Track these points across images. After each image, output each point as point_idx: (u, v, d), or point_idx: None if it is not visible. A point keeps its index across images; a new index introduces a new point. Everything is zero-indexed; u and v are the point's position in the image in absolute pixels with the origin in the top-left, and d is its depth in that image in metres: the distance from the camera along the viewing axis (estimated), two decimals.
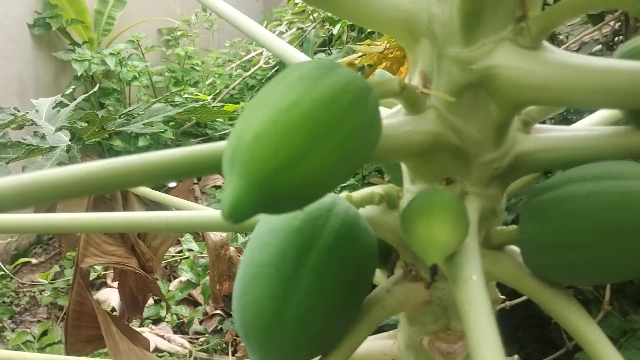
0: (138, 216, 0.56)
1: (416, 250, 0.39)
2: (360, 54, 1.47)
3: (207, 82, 4.00)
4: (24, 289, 2.78)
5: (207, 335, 2.41)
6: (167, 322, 2.47)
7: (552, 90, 0.39)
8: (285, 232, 0.45)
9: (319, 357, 0.48)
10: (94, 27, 3.60)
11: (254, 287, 0.44)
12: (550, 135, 0.47)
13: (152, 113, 1.20)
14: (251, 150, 0.31)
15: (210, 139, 3.50)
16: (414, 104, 0.44)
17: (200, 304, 2.55)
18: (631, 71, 0.36)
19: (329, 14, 2.56)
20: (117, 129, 1.13)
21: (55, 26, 3.18)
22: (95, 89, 2.01)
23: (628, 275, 0.43)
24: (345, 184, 1.99)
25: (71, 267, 2.81)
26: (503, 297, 0.57)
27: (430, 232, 0.39)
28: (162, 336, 2.36)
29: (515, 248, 0.49)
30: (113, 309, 2.33)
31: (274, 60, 3.57)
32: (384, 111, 0.46)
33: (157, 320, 2.50)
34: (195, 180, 3.17)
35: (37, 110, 1.21)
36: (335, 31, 2.57)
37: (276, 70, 3.62)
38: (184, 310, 2.50)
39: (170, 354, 2.27)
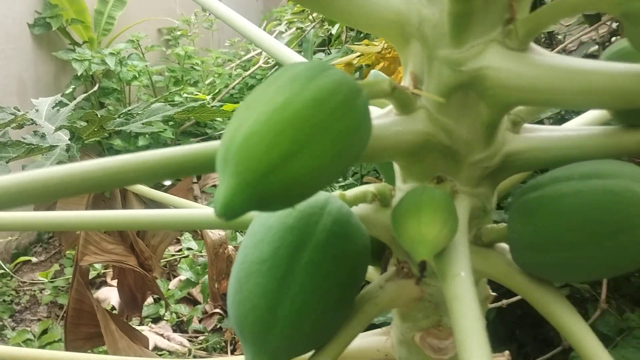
0: (136, 214, 0.57)
1: (406, 247, 0.40)
2: (358, 54, 1.49)
3: (206, 82, 4.01)
4: (24, 288, 2.79)
5: (206, 333, 2.42)
6: (166, 320, 2.49)
7: (538, 92, 0.40)
8: (279, 229, 0.46)
9: (313, 352, 0.49)
10: (94, 26, 3.61)
11: (248, 284, 0.45)
12: (539, 135, 0.48)
13: (151, 112, 1.21)
14: (243, 149, 0.32)
15: (210, 138, 3.51)
16: (404, 104, 0.45)
17: (199, 303, 2.56)
18: (614, 73, 0.37)
19: None
20: (116, 129, 1.14)
21: (55, 26, 3.19)
22: (95, 88, 2.02)
23: (613, 272, 0.44)
24: (343, 184, 2.00)
25: (71, 266, 2.82)
26: (494, 294, 0.58)
27: (420, 229, 0.40)
28: (161, 335, 2.37)
29: (505, 246, 0.50)
30: (113, 308, 2.35)
31: (273, 60, 3.58)
32: (375, 111, 0.47)
33: (156, 319, 2.51)
34: (195, 180, 3.18)
35: (37, 110, 1.22)
36: (334, 31, 2.58)
37: (275, 70, 3.63)
38: (184, 309, 2.51)
39: (170, 353, 2.28)
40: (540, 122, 1.46)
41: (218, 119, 3.47)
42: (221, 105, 2.89)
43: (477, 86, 0.43)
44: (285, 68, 0.36)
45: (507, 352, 0.55)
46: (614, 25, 1.71)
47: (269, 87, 0.35)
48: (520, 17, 0.42)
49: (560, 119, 1.55)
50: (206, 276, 2.36)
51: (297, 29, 2.95)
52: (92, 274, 2.67)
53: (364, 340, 0.60)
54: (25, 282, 2.82)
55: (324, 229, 0.46)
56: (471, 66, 0.42)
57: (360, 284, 0.50)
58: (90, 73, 3.35)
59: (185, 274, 2.53)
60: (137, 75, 3.58)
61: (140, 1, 3.99)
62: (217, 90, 3.83)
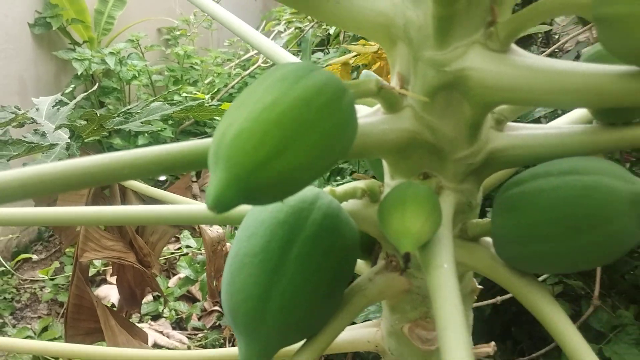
0: (134, 209, 0.59)
1: (391, 240, 0.42)
2: (354, 53, 1.50)
3: (206, 81, 4.03)
4: (25, 286, 2.81)
5: (205, 331, 2.44)
6: (165, 317, 2.51)
7: (517, 91, 0.42)
8: (270, 224, 0.48)
9: (304, 341, 0.51)
10: (94, 26, 3.63)
11: (241, 276, 0.47)
12: (522, 132, 0.50)
13: (150, 111, 1.22)
14: (234, 146, 0.34)
15: (209, 137, 3.52)
16: (391, 103, 0.47)
17: (198, 300, 2.58)
18: (588, 73, 0.39)
19: None
20: (115, 127, 1.16)
21: (55, 26, 3.21)
22: (95, 87, 2.04)
23: (590, 264, 0.46)
24: (341, 182, 2.01)
25: (71, 264, 2.84)
26: (480, 287, 0.60)
27: (404, 222, 0.41)
28: (160, 332, 2.39)
29: (489, 240, 0.52)
30: (113, 305, 2.37)
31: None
32: (364, 110, 0.49)
33: (156, 317, 2.53)
34: (194, 179, 3.20)
35: (37, 109, 1.23)
36: (332, 31, 2.60)
37: None
38: (183, 307, 2.53)
39: (169, 350, 2.30)
40: (537, 120, 1.48)
41: (217, 118, 3.48)
42: (220, 104, 2.91)
43: (460, 86, 0.45)
44: (274, 68, 0.38)
45: (492, 343, 0.56)
46: None
47: (258, 87, 0.37)
48: (502, 20, 0.43)
49: (557, 117, 1.56)
50: (205, 274, 2.38)
51: (296, 28, 2.97)
52: (92, 272, 2.69)
53: (354, 332, 0.62)
54: (25, 280, 2.84)
55: (314, 223, 0.48)
56: (454, 67, 0.44)
57: (349, 277, 0.52)
58: (90, 72, 3.37)
59: (184, 272, 2.55)
60: (137, 75, 3.59)
61: (140, 1, 4.00)
62: (216, 90, 3.85)
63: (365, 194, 0.54)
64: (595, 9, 0.35)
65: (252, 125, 0.34)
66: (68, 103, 1.26)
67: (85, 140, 1.15)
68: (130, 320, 1.38)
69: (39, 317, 2.63)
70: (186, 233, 2.84)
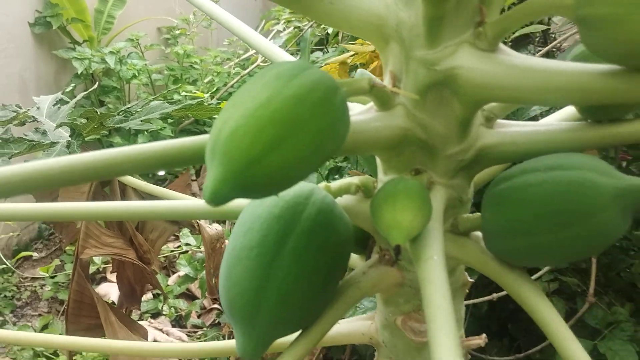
0: (134, 204, 0.60)
1: (382, 233, 0.44)
2: (352, 53, 1.52)
3: (205, 80, 4.04)
4: (25, 284, 2.83)
5: (205, 328, 2.45)
6: (165, 315, 2.52)
7: (505, 89, 0.43)
8: (266, 218, 0.49)
9: (299, 332, 0.52)
10: (94, 25, 3.65)
11: (238, 269, 0.49)
12: (511, 130, 0.52)
13: (150, 110, 1.24)
14: (229, 142, 0.35)
15: (207, 134, 3.53)
16: (384, 101, 0.48)
17: (198, 298, 2.60)
18: (571, 72, 0.40)
19: None
20: (115, 126, 1.17)
21: (55, 25, 3.22)
22: (95, 86, 2.05)
23: (576, 257, 0.47)
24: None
25: (71, 262, 2.85)
26: (471, 280, 0.61)
27: (395, 216, 0.43)
28: (160, 329, 2.41)
29: (480, 234, 0.54)
30: (113, 303, 2.38)
31: None
32: (357, 108, 0.51)
33: (155, 314, 2.55)
34: (193, 177, 3.22)
35: (38, 108, 1.25)
36: (330, 30, 2.61)
37: None
38: (182, 304, 2.55)
39: None
40: (534, 118, 1.49)
41: (216, 116, 3.49)
42: (219, 103, 2.92)
43: (450, 84, 0.46)
44: (269, 67, 0.40)
45: (483, 335, 0.58)
46: None
47: (254, 85, 0.38)
48: (490, 20, 0.45)
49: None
50: (204, 271, 2.40)
51: (295, 28, 2.98)
52: (92, 270, 2.71)
53: (350, 325, 0.64)
54: (26, 278, 2.86)
55: (308, 217, 0.49)
56: (444, 66, 0.45)
57: (343, 270, 0.53)
58: (90, 71, 3.38)
59: (183, 270, 2.57)
60: (137, 74, 3.61)
61: (139, 0, 4.02)
62: (215, 89, 3.86)
63: (359, 190, 0.56)
64: (577, 10, 0.37)
65: (248, 121, 0.36)
66: (68, 102, 1.28)
67: (86, 139, 1.16)
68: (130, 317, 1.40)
69: (39, 315, 2.65)
70: (185, 231, 2.85)
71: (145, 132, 3.25)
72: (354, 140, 0.47)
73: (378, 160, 0.55)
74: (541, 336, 1.68)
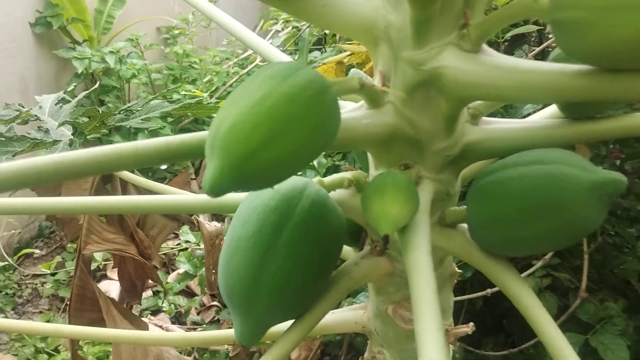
0: (135, 199, 0.63)
1: (372, 223, 0.46)
2: (349, 52, 1.54)
3: (204, 80, 4.06)
4: (26, 281, 2.86)
5: (204, 325, 2.48)
6: (165, 311, 2.55)
7: (487, 88, 0.46)
8: (263, 210, 0.52)
9: (293, 321, 0.55)
10: (94, 25, 3.67)
11: (236, 257, 0.51)
12: (495, 126, 0.54)
13: (150, 109, 1.26)
14: (227, 137, 0.38)
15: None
16: (374, 99, 0.51)
17: (197, 295, 2.62)
18: (548, 72, 0.43)
19: None
20: (116, 124, 1.20)
21: (56, 25, 3.25)
22: (96, 86, 2.08)
23: (554, 247, 0.50)
24: None
25: (72, 260, 2.88)
26: (459, 271, 0.64)
27: (383, 207, 0.46)
28: (160, 326, 2.43)
29: (466, 226, 0.56)
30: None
31: None
32: (349, 105, 0.53)
33: (155, 311, 2.57)
34: (193, 176, 3.24)
35: (40, 107, 1.27)
36: (328, 30, 2.64)
37: None
38: (182, 301, 2.57)
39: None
40: (527, 117, 1.52)
41: (215, 115, 3.52)
42: (218, 102, 2.95)
43: (436, 83, 0.49)
44: (264, 67, 0.42)
45: (471, 324, 0.61)
46: None
47: (250, 85, 0.41)
48: (473, 23, 0.47)
49: None
50: (204, 268, 2.42)
51: (293, 27, 3.00)
52: (92, 267, 2.73)
53: (343, 314, 0.66)
54: (27, 276, 2.88)
55: (302, 209, 0.52)
56: (430, 66, 0.48)
57: (336, 259, 0.56)
58: (90, 71, 3.41)
59: (183, 267, 2.59)
60: (136, 73, 3.64)
61: (139, 0, 4.04)
62: (214, 88, 3.89)
63: (351, 184, 0.58)
64: (551, 14, 0.40)
65: (244, 118, 0.38)
66: (70, 101, 1.30)
67: (87, 137, 1.19)
68: None
69: (40, 312, 2.68)
70: (185, 228, 2.88)
71: (145, 131, 3.27)
72: (346, 136, 0.50)
73: (369, 155, 0.58)
74: (534, 331, 1.71)
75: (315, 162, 1.72)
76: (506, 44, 1.99)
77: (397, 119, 0.51)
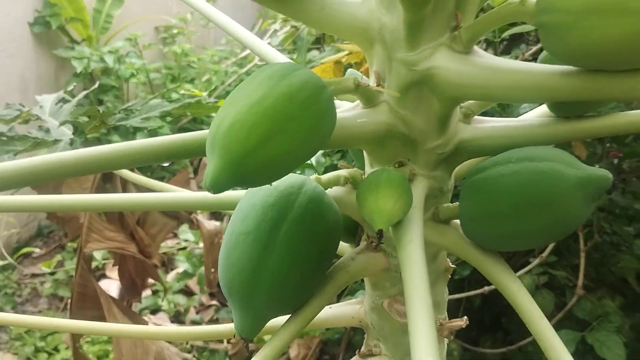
0: (135, 197, 0.64)
1: (366, 219, 0.48)
2: (346, 52, 1.56)
3: (203, 79, 4.08)
4: (26, 281, 2.87)
5: (203, 324, 2.50)
6: (164, 310, 2.56)
7: (477, 87, 0.48)
8: (262, 206, 0.54)
9: (291, 313, 0.57)
10: (93, 25, 3.69)
11: (235, 252, 0.53)
12: (487, 125, 0.56)
13: (149, 108, 1.28)
14: (227, 136, 0.40)
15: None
16: (368, 99, 0.52)
17: (196, 294, 2.64)
18: (535, 72, 0.44)
19: None
20: (116, 124, 1.21)
21: (54, 24, 3.26)
22: (96, 85, 2.09)
23: (544, 241, 0.51)
24: None
25: (71, 259, 2.90)
26: (454, 266, 0.65)
27: (377, 203, 0.47)
28: (159, 325, 2.45)
29: (459, 221, 0.58)
30: None
31: None
32: (345, 105, 0.55)
33: (155, 310, 2.59)
34: (192, 176, 3.26)
35: (41, 106, 1.29)
36: None
37: None
38: (181, 300, 2.59)
39: (168, 342, 2.35)
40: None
41: (214, 114, 3.53)
42: (217, 102, 2.96)
43: (429, 83, 0.50)
44: (262, 68, 0.44)
45: (465, 318, 0.62)
46: None
47: (248, 85, 0.42)
48: (465, 25, 0.49)
49: None
50: (202, 268, 2.44)
51: (292, 27, 3.02)
52: (91, 266, 2.74)
53: (340, 309, 0.68)
54: (26, 275, 2.90)
55: (300, 205, 0.53)
56: (423, 66, 0.50)
57: (332, 254, 0.58)
58: (89, 71, 3.42)
59: (182, 266, 2.61)
60: (135, 73, 3.65)
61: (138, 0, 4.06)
62: (213, 87, 3.90)
63: (348, 181, 0.60)
64: (537, 18, 0.41)
65: (243, 117, 0.40)
66: (70, 100, 1.32)
67: (88, 136, 1.20)
68: None
69: (40, 312, 2.69)
70: (184, 227, 2.90)
71: (145, 131, 3.28)
72: (342, 135, 0.51)
73: (365, 153, 0.59)
74: None
75: (313, 161, 1.74)
76: (504, 43, 2.01)
77: (392, 118, 0.53)
